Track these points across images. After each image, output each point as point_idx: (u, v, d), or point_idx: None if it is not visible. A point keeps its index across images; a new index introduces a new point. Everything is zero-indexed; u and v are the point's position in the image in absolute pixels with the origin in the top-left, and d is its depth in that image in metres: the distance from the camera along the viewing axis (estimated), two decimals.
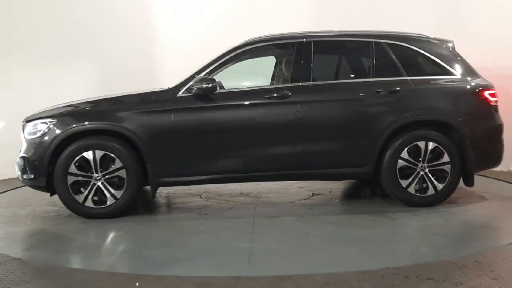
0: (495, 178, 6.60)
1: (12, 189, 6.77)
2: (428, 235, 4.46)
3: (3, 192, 6.69)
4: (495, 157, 5.42)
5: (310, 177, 5.57)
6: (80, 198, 5.02)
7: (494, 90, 5.38)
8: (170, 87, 5.23)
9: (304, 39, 5.36)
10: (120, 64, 8.08)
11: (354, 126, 5.20)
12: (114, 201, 5.04)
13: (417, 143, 5.18)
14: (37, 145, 5.04)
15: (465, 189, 5.64)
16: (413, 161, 5.19)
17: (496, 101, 5.38)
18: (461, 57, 5.50)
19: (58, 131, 5.00)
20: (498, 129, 5.40)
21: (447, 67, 5.37)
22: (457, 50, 5.58)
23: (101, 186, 5.02)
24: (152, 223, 5.08)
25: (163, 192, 6.34)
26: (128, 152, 5.01)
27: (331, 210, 5.36)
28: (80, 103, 5.35)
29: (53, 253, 4.23)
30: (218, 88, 5.15)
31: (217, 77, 5.45)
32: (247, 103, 5.21)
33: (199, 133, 5.12)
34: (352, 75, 5.68)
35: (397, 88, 5.20)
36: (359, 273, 3.55)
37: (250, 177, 5.35)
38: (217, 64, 5.28)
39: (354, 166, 5.25)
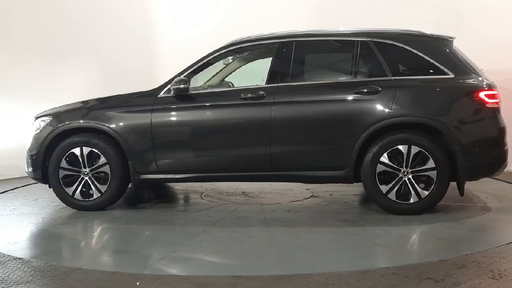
0: (494, 178, 6.57)
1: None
2: (371, 244, 4.27)
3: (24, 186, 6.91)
4: (494, 164, 5.01)
5: (286, 179, 5.42)
6: (70, 190, 5.36)
7: (494, 91, 4.96)
8: (155, 88, 5.40)
9: (286, 39, 5.31)
10: (122, 64, 8.09)
11: (329, 128, 5.05)
12: (99, 194, 5.33)
13: (398, 146, 4.91)
14: (36, 141, 5.45)
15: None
16: (394, 166, 4.93)
17: (496, 103, 4.95)
18: (458, 55, 5.13)
19: (50, 128, 5.39)
20: (496, 133, 4.96)
21: (440, 66, 5.01)
22: (458, 48, 5.25)
23: (88, 180, 5.33)
24: (139, 220, 5.14)
25: (176, 187, 6.61)
26: (112, 149, 5.27)
27: (307, 214, 5.22)
28: (77, 102, 5.65)
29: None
30: (188, 89, 5.21)
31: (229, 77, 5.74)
32: (222, 103, 5.27)
33: (175, 132, 5.29)
34: (334, 76, 5.52)
35: (378, 89, 4.97)
36: (359, 273, 3.56)
37: (226, 177, 5.44)
38: (200, 64, 5.38)
39: (331, 169, 5.08)
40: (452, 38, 5.27)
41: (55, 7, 7.95)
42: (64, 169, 5.34)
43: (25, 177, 6.21)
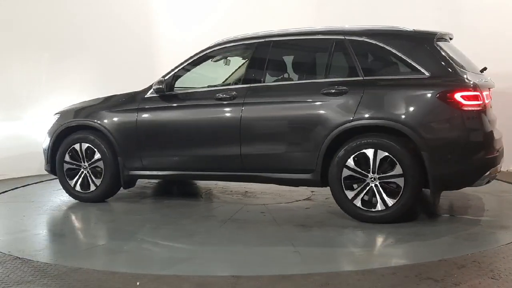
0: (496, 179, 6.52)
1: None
2: (290, 251, 4.05)
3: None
4: (472, 173, 4.55)
5: (256, 180, 5.29)
6: (72, 183, 5.75)
7: (476, 92, 4.47)
8: (143, 88, 5.57)
9: (264, 39, 5.27)
10: (122, 64, 8.07)
11: (295, 130, 4.94)
12: (95, 187, 5.66)
13: (364, 151, 4.62)
14: (48, 136, 5.89)
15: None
16: (360, 171, 4.66)
17: (477, 105, 4.46)
18: (441, 52, 4.67)
19: (57, 126, 5.83)
20: (476, 139, 4.51)
21: (415, 64, 4.62)
22: (448, 44, 4.89)
23: (87, 174, 5.69)
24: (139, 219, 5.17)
25: (198, 184, 6.74)
26: (105, 146, 5.58)
27: (275, 217, 5.04)
28: (85, 101, 6.02)
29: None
30: (164, 89, 5.34)
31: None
32: (197, 103, 5.37)
33: (155, 131, 5.47)
34: (306, 76, 5.35)
35: (344, 89, 4.74)
36: (359, 273, 3.56)
37: (201, 176, 5.65)
38: (184, 65, 5.50)
39: (298, 172, 4.94)
40: (436, 33, 4.83)
41: (55, 6, 7.94)
42: (67, 162, 5.74)
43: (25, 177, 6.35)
